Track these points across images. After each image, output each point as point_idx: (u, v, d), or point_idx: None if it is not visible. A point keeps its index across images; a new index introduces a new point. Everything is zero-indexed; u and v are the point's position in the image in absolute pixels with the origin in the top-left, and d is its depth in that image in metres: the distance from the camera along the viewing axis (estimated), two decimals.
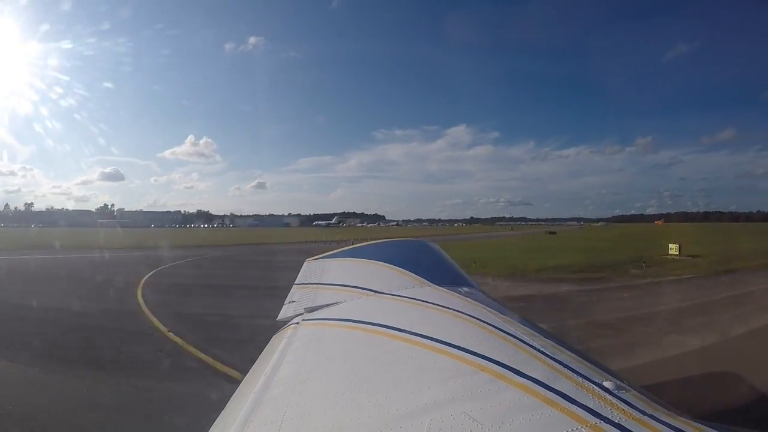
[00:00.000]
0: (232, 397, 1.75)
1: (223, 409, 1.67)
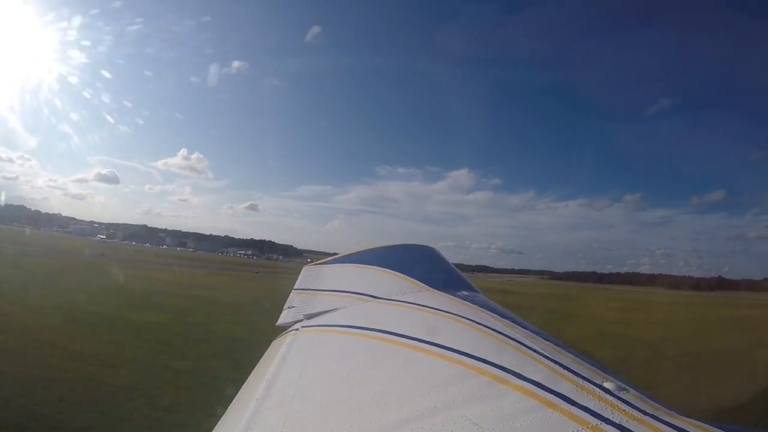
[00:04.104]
0: (231, 404, 1.75)
1: (222, 415, 1.67)
